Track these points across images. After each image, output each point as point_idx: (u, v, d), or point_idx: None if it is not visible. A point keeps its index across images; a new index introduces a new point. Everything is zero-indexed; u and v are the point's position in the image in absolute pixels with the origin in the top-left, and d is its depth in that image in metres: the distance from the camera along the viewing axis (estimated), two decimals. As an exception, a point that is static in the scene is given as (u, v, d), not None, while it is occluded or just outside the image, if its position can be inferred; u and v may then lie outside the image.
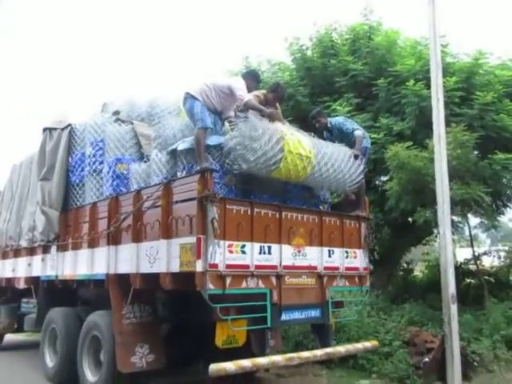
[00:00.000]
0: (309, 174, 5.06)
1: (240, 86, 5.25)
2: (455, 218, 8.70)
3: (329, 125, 6.24)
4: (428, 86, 7.44)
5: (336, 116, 7.26)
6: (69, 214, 6.53)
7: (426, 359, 6.31)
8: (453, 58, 9.00)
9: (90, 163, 6.21)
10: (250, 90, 5.66)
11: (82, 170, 6.38)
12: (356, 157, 5.58)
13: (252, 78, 5.68)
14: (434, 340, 6.56)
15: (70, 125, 6.70)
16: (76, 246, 6.21)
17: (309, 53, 10.05)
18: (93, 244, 5.86)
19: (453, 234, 7.53)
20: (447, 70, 8.11)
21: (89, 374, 5.62)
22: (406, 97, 8.23)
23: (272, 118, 5.10)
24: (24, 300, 8.01)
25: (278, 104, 5.95)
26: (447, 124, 6.80)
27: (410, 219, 9.15)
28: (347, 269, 5.69)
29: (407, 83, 8.14)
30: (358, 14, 9.95)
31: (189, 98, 5.18)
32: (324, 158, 5.15)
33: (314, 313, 5.29)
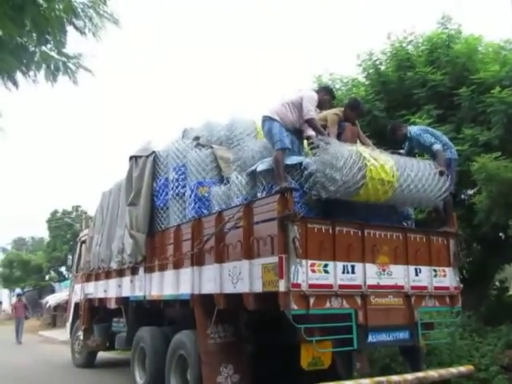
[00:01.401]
0: (389, 196, 4.91)
1: (309, 99, 5.24)
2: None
3: (408, 134, 6.04)
4: (516, 92, 7.00)
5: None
6: (155, 237, 6.82)
7: (530, 387, 5.80)
8: (542, 61, 8.41)
9: (173, 187, 6.47)
10: (324, 104, 5.62)
11: (166, 194, 6.66)
12: (441, 173, 5.32)
13: (325, 93, 5.66)
14: (537, 366, 6.02)
15: (154, 152, 7.05)
16: (162, 268, 6.44)
17: (383, 67, 9.86)
18: (178, 265, 6.05)
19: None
20: (536, 74, 7.60)
21: (177, 392, 5.75)
22: (492, 105, 7.77)
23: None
24: (115, 319, 8.42)
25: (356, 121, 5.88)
26: (540, 131, 6.34)
27: (502, 234, 8.56)
28: (436, 288, 5.42)
29: (492, 90, 7.71)
30: (434, 24, 9.65)
31: (267, 120, 5.24)
32: (407, 180, 4.95)
33: (403, 335, 5.08)
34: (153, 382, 6.30)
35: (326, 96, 5.64)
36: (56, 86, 5.08)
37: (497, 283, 10.31)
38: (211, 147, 6.34)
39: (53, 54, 5.05)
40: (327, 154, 4.68)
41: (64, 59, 5.12)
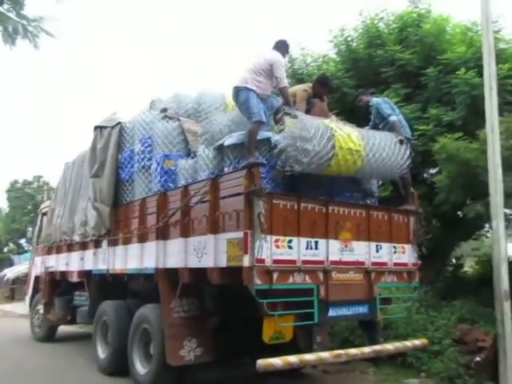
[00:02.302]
0: (359, 167, 4.98)
1: (279, 66, 5.19)
2: (507, 211, 8.32)
3: (370, 103, 6.15)
4: (480, 74, 7.13)
5: None
6: (119, 210, 6.71)
7: (478, 358, 6.11)
8: (506, 43, 8.58)
9: (138, 160, 6.35)
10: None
11: (132, 166, 6.53)
12: (401, 142, 5.41)
13: (285, 48, 5.62)
14: (485, 339, 6.33)
15: (119, 123, 6.87)
16: (126, 241, 6.37)
17: (354, 44, 9.85)
18: (142, 239, 5.99)
19: (506, 228, 7.21)
20: (500, 57, 7.72)
21: (139, 366, 5.77)
22: (457, 86, 7.92)
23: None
24: (77, 293, 8.29)
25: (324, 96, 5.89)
26: (500, 113, 6.52)
27: (460, 213, 8.85)
28: (395, 264, 5.58)
29: (458, 71, 7.84)
30: (405, 2, 9.67)
31: (243, 90, 5.07)
32: (373, 149, 5.05)
33: (362, 309, 5.23)
34: (115, 356, 6.30)
35: (285, 52, 5.68)
36: (15, 50, 4.88)
37: (453, 260, 10.72)
38: (179, 119, 6.23)
39: (11, 15, 4.82)
40: (295, 128, 4.68)
41: (24, 22, 4.90)
